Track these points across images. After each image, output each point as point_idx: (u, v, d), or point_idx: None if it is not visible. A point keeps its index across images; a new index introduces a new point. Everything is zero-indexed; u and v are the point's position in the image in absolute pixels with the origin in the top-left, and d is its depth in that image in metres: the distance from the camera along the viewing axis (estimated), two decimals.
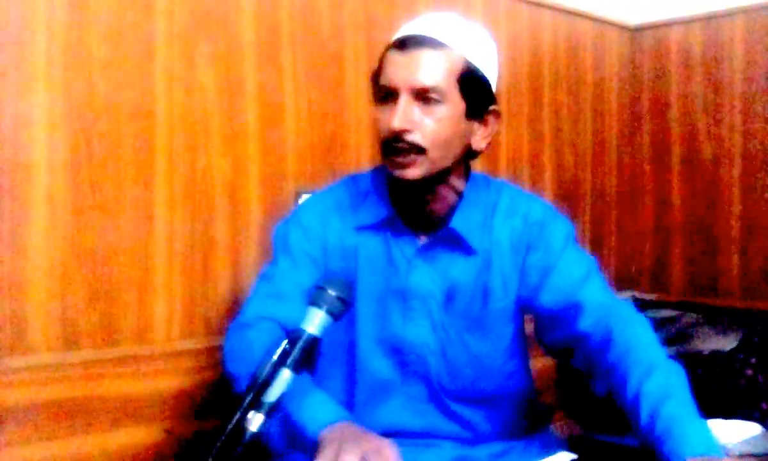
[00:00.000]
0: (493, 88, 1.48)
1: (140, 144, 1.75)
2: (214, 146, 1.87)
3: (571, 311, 1.44)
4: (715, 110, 2.82)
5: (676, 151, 2.93)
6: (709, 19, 2.81)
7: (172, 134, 1.80)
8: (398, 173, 1.42)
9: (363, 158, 2.11)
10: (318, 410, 1.24)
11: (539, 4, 2.66)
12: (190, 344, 1.82)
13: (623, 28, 2.99)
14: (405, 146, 1.39)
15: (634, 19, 3.01)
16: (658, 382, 1.23)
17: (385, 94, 1.42)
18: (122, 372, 1.70)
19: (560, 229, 1.54)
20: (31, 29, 1.60)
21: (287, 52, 1.99)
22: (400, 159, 1.40)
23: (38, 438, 1.58)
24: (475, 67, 1.42)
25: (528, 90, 2.66)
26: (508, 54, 2.54)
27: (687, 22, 2.87)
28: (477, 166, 1.58)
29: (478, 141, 1.48)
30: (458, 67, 1.40)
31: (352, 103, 2.12)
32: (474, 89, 1.42)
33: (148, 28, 1.76)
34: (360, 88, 2.10)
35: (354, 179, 1.61)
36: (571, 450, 1.41)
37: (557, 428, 1.66)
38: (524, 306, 1.53)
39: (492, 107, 1.48)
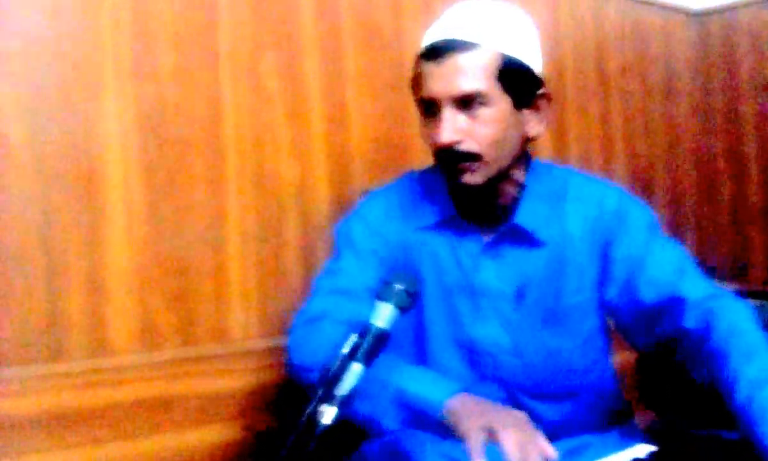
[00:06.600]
0: (538, 71, 1.42)
1: (210, 148, 1.79)
2: (281, 148, 1.90)
3: (674, 306, 1.37)
4: None
5: (751, 135, 2.84)
6: None
7: (241, 138, 1.83)
8: (459, 179, 1.38)
9: (427, 154, 2.10)
10: (434, 381, 1.25)
11: None
12: (265, 342, 1.84)
13: (689, 13, 2.93)
14: (459, 155, 1.36)
15: (699, 4, 2.94)
16: (758, 367, 1.19)
17: (428, 107, 1.39)
18: (201, 371, 1.74)
19: (642, 217, 1.48)
20: (99, 40, 1.65)
21: (349, 54, 2.02)
22: (458, 166, 1.37)
23: (119, 436, 1.63)
24: (513, 57, 1.36)
25: (596, 80, 2.62)
26: (573, 43, 2.51)
27: (757, 3, 2.78)
28: (547, 157, 1.55)
29: (534, 128, 1.43)
30: (495, 64, 1.34)
31: (413, 101, 2.12)
32: (516, 81, 1.37)
33: (214, 35, 1.80)
34: None
35: (415, 176, 1.59)
36: (652, 441, 1.37)
37: (640, 421, 1.62)
38: (611, 304, 1.47)
39: (540, 91, 1.42)
